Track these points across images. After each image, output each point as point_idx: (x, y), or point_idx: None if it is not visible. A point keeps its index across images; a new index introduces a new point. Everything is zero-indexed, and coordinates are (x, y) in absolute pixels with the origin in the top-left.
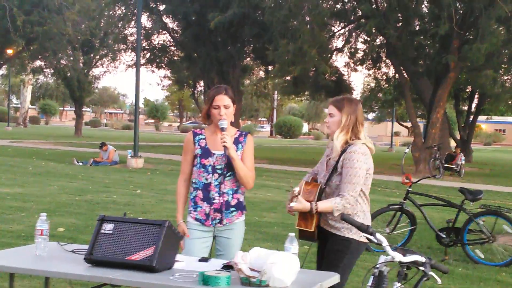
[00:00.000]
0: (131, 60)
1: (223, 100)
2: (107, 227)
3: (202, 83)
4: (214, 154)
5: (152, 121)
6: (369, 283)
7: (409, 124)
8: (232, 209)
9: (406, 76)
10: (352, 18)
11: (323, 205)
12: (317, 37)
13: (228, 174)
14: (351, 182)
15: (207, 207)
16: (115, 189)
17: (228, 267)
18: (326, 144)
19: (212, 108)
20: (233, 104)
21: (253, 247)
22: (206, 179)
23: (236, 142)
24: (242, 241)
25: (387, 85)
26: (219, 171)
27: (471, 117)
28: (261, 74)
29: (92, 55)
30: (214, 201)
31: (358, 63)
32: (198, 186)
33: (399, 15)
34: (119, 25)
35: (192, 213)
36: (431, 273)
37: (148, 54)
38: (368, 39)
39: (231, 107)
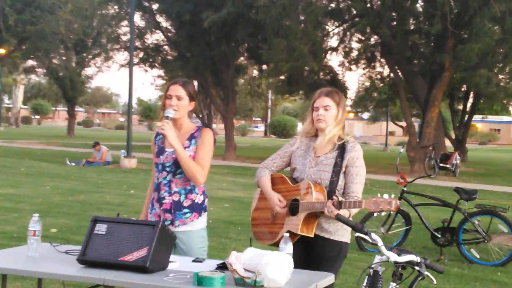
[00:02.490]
0: (124, 60)
1: (177, 90)
2: (100, 228)
3: (196, 82)
4: (166, 151)
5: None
6: (364, 283)
7: (404, 124)
8: (185, 210)
9: (400, 75)
10: (346, 17)
11: (354, 211)
12: (310, 36)
13: (178, 171)
14: (361, 183)
15: (158, 208)
16: (108, 189)
17: (222, 267)
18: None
19: (166, 98)
20: (190, 98)
21: (247, 248)
22: (157, 178)
23: (191, 137)
24: (205, 250)
25: (381, 85)
26: (167, 169)
27: (466, 117)
28: (255, 73)
29: (85, 54)
30: (163, 201)
31: (352, 62)
32: (154, 187)
33: (394, 14)
34: (112, 24)
35: (149, 215)
36: (426, 273)
37: (141, 54)
38: (363, 38)
39: (185, 99)
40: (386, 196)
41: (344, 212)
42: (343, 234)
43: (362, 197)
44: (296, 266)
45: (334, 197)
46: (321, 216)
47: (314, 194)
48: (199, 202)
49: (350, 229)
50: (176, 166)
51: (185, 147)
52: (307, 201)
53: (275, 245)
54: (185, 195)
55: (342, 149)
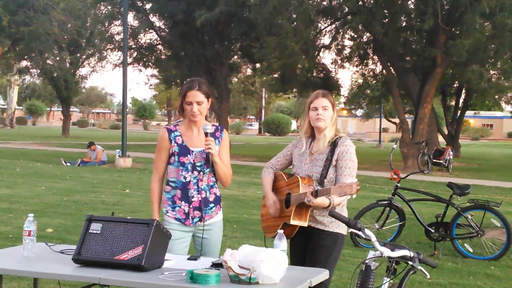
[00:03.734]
0: (118, 59)
1: (196, 96)
2: (95, 227)
3: None
4: (192, 151)
5: (141, 121)
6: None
7: (397, 120)
8: (211, 204)
9: (393, 72)
10: (338, 15)
11: (337, 200)
12: (301, 34)
13: (207, 170)
14: (351, 175)
15: (185, 206)
16: (104, 189)
17: (217, 265)
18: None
19: (185, 104)
20: (207, 99)
21: (242, 245)
22: (185, 177)
23: (213, 137)
24: (221, 238)
25: (374, 82)
26: (198, 169)
27: (459, 112)
28: (249, 72)
29: (78, 54)
30: (193, 200)
31: (345, 60)
32: (177, 185)
33: (386, 11)
34: (106, 24)
35: (170, 212)
36: (419, 267)
37: (135, 53)
38: (355, 35)
39: (204, 102)
40: (349, 181)
41: (323, 200)
42: (338, 225)
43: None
44: (298, 257)
45: (312, 187)
46: (312, 207)
47: (301, 187)
48: (219, 194)
49: None
50: (207, 166)
51: None
52: (295, 194)
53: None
54: (209, 190)
55: (334, 145)
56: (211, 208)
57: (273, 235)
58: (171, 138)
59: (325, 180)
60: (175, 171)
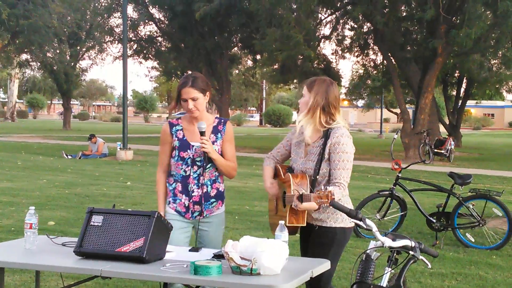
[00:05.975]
0: (118, 52)
1: (190, 93)
2: (96, 219)
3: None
4: (192, 146)
5: (142, 114)
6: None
7: (398, 111)
8: (212, 200)
9: (394, 62)
10: (339, 5)
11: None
12: (303, 24)
13: (208, 165)
14: (345, 168)
15: (186, 200)
16: (105, 181)
17: (218, 256)
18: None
19: (181, 101)
20: (204, 93)
21: (243, 236)
22: (185, 171)
23: (215, 131)
24: (223, 232)
25: (375, 72)
26: (198, 163)
27: (460, 102)
28: (249, 63)
29: (78, 47)
30: (193, 194)
31: (346, 50)
32: (177, 178)
33: (386, 1)
34: (105, 16)
35: (172, 204)
36: (421, 257)
37: (135, 46)
38: (355, 25)
39: (200, 98)
40: (325, 188)
41: (310, 205)
42: (335, 220)
43: (355, 184)
44: (305, 252)
45: (296, 192)
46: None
47: (292, 187)
48: (222, 190)
49: (344, 215)
50: (208, 161)
51: (212, 142)
52: (288, 194)
53: None
54: (211, 185)
55: (326, 136)
56: (212, 203)
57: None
58: (173, 132)
59: (318, 176)
60: (175, 165)
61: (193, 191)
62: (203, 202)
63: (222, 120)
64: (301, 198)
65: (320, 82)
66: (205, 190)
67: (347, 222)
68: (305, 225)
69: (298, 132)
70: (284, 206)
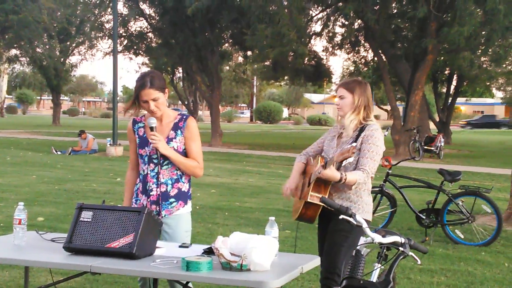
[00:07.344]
0: (108, 48)
1: (149, 94)
2: (86, 215)
3: (180, 69)
4: (150, 143)
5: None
6: None
7: (388, 107)
8: (172, 199)
9: (384, 59)
10: (330, 2)
11: (350, 177)
12: (295, 21)
13: (165, 163)
14: (373, 159)
15: (144, 200)
16: (95, 177)
17: (209, 252)
18: (308, 129)
19: (141, 102)
20: (163, 91)
21: (233, 232)
22: (143, 170)
23: (175, 127)
24: (188, 235)
25: (366, 69)
26: (154, 161)
27: (450, 99)
28: (240, 59)
29: (68, 43)
30: (151, 193)
31: (336, 47)
32: (140, 178)
33: None
34: (96, 12)
35: (134, 205)
36: (410, 253)
37: (125, 41)
38: (346, 22)
39: (160, 97)
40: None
41: (333, 172)
42: (357, 210)
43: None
44: (322, 241)
45: (323, 160)
46: (330, 185)
47: (318, 164)
48: (185, 190)
49: (367, 207)
50: (164, 158)
51: (171, 138)
52: (313, 172)
53: (299, 219)
54: (172, 184)
55: (361, 130)
56: (172, 203)
57: (295, 217)
58: (135, 129)
59: (345, 162)
60: (140, 164)
61: (151, 190)
62: (160, 202)
63: (184, 116)
64: (325, 165)
65: (359, 83)
66: (163, 189)
67: (368, 215)
68: (326, 196)
69: (346, 134)
70: (309, 186)
